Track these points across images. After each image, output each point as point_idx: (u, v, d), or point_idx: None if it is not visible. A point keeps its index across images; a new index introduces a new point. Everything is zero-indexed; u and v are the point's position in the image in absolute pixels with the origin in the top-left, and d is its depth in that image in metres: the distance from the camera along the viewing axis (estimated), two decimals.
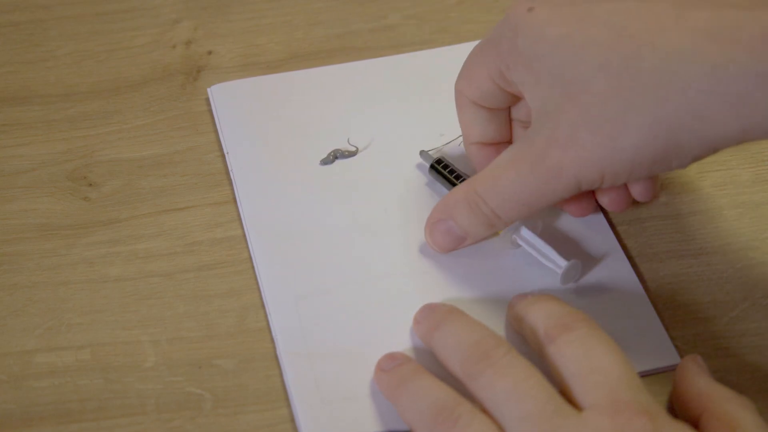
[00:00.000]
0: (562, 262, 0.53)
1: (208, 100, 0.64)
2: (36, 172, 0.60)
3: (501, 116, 0.55)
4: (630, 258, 0.55)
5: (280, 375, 0.51)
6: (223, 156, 0.61)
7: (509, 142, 0.56)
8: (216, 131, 0.62)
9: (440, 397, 0.46)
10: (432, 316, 0.50)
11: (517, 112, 0.56)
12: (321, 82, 0.64)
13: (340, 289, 0.54)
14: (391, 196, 0.58)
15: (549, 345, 0.47)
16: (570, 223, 0.57)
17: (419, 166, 0.59)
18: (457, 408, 0.45)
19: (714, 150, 0.46)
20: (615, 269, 0.55)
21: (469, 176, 0.56)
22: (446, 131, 0.61)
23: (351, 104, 0.63)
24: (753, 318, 0.53)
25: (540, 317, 0.48)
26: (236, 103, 0.63)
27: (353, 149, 0.60)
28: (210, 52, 0.67)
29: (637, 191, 0.54)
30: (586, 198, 0.55)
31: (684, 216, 0.58)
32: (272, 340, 0.52)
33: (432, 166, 0.58)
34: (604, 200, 0.55)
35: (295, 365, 0.51)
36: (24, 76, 0.66)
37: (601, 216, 0.57)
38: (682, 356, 0.51)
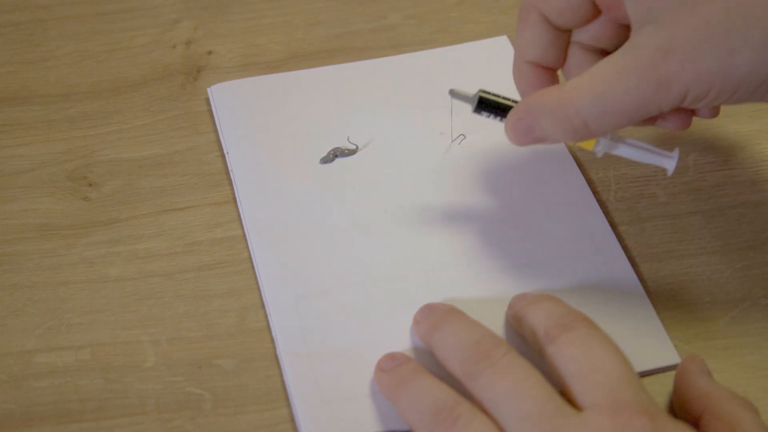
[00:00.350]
0: (672, 152, 0.52)
1: (208, 100, 0.64)
2: (36, 172, 0.60)
3: (563, 39, 0.53)
4: (630, 258, 0.55)
5: (280, 375, 0.51)
6: (223, 156, 0.61)
7: (559, 67, 0.54)
8: (216, 131, 0.62)
9: (440, 397, 0.46)
10: (432, 316, 0.50)
11: (581, 35, 0.53)
12: (321, 82, 0.64)
13: (340, 288, 0.54)
14: (391, 196, 0.58)
15: (549, 345, 0.47)
16: (570, 223, 0.57)
17: (421, 162, 0.59)
18: (456, 408, 0.45)
19: None
20: (615, 269, 0.55)
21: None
22: (446, 130, 0.61)
23: (351, 104, 0.63)
24: (753, 318, 0.53)
25: (540, 317, 0.48)
26: (236, 103, 0.63)
27: (353, 147, 0.60)
28: (210, 52, 0.67)
29: (703, 113, 0.51)
30: (685, 112, 0.52)
31: (684, 216, 0.58)
32: (272, 340, 0.52)
33: (481, 100, 0.53)
34: (670, 121, 0.52)
35: (295, 365, 0.51)
36: (24, 76, 0.66)
37: (601, 216, 0.57)
38: (682, 356, 0.51)
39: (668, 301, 0.54)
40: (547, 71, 0.53)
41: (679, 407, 0.48)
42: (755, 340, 0.52)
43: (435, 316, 0.50)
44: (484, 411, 0.45)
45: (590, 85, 0.48)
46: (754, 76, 0.45)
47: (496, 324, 0.51)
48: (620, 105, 0.47)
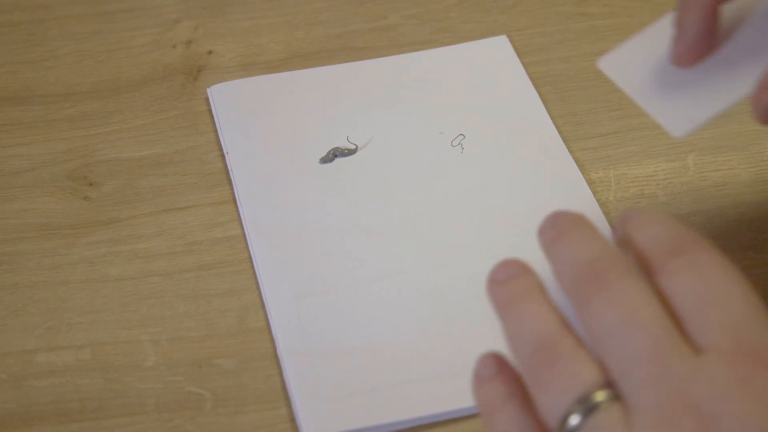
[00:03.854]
0: None
1: (208, 99, 0.64)
2: (36, 172, 0.60)
3: None
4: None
5: (280, 374, 0.51)
6: (224, 156, 0.61)
7: None
8: (216, 131, 0.62)
9: (545, 329, 0.40)
10: (556, 224, 0.43)
11: None
12: (321, 82, 0.64)
13: (340, 288, 0.54)
14: (390, 195, 0.58)
15: (658, 276, 0.39)
16: None
17: (421, 162, 0.59)
18: (559, 345, 0.39)
19: None
20: None
21: None
22: (446, 130, 0.61)
23: (351, 104, 0.63)
24: None
25: (646, 239, 0.41)
26: (236, 103, 0.63)
27: (353, 147, 0.60)
28: (210, 52, 0.67)
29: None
30: None
31: (684, 216, 0.58)
32: (272, 340, 0.52)
33: None
34: None
35: (296, 364, 0.51)
36: (24, 76, 0.66)
37: (601, 216, 0.57)
38: None
39: None
40: (715, 10, 0.49)
41: None
42: None
43: (559, 225, 0.43)
44: (592, 345, 0.39)
45: None
46: None
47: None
48: None
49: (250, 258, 0.56)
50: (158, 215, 0.58)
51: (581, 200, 0.58)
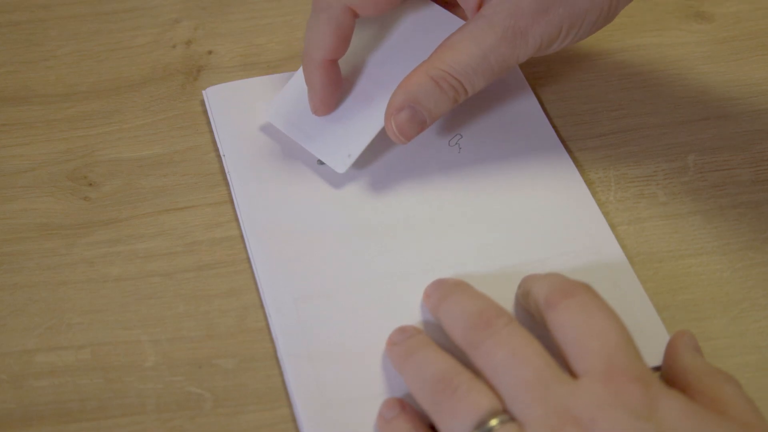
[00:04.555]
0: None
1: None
2: (36, 172, 0.60)
3: (353, 27, 0.56)
4: (630, 258, 0.55)
5: (280, 375, 0.51)
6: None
7: (342, 55, 0.57)
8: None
9: (442, 367, 0.47)
10: (441, 288, 0.51)
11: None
12: None
13: (339, 290, 0.54)
14: (389, 197, 0.58)
15: (549, 312, 0.47)
16: (570, 222, 0.57)
17: (419, 162, 0.59)
18: (456, 377, 0.46)
19: None
20: (615, 269, 0.55)
21: None
22: (444, 131, 0.61)
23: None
24: (753, 318, 0.53)
25: (543, 287, 0.49)
26: (231, 105, 0.63)
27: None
28: (210, 52, 0.67)
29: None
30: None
31: (684, 216, 0.58)
32: (272, 340, 0.52)
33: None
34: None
35: (296, 367, 0.51)
36: (24, 75, 0.66)
37: (601, 216, 0.57)
38: None
39: (668, 301, 0.54)
40: (335, 64, 0.57)
41: (666, 382, 0.48)
42: (755, 340, 0.52)
43: (444, 289, 0.51)
44: (485, 380, 0.46)
45: (454, 49, 0.54)
46: (593, 8, 0.54)
47: (505, 305, 0.51)
48: (483, 61, 0.54)
49: (249, 258, 0.56)
50: (158, 215, 0.58)
51: (580, 200, 0.58)
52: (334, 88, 0.57)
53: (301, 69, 0.59)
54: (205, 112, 0.63)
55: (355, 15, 0.55)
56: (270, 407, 0.50)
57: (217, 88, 0.64)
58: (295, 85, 0.60)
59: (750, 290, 0.54)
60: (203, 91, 0.64)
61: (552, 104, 0.63)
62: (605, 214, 0.57)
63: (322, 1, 0.55)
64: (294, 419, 0.50)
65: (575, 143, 0.61)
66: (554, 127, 0.62)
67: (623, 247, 0.56)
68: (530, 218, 0.57)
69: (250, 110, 0.62)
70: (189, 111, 0.64)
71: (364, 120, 0.58)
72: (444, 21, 0.58)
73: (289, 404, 0.50)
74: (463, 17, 0.58)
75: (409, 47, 0.58)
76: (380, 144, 0.61)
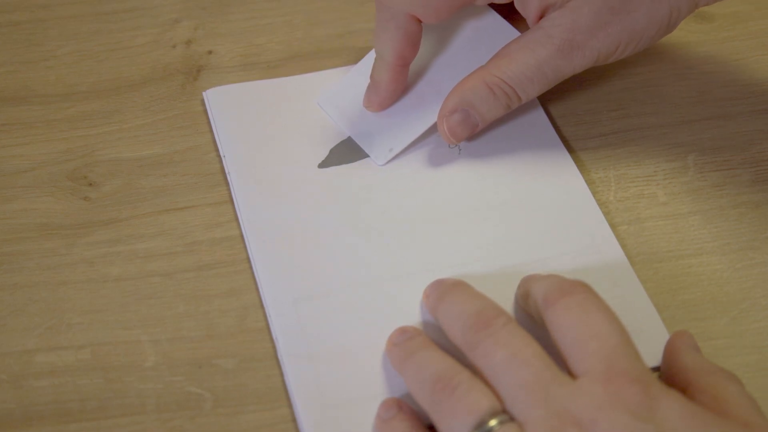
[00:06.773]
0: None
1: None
2: (36, 172, 0.60)
3: (419, 34, 0.58)
4: (630, 258, 0.55)
5: (281, 375, 0.51)
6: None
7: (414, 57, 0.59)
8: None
9: (442, 367, 0.47)
10: (439, 288, 0.51)
11: None
12: (318, 86, 0.64)
13: (339, 291, 0.54)
14: (389, 198, 0.58)
15: (547, 311, 0.47)
16: (570, 222, 0.57)
17: (419, 164, 0.59)
18: (456, 377, 0.46)
19: (696, 5, 0.56)
20: (615, 269, 0.55)
21: None
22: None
23: None
24: (753, 318, 0.53)
25: (542, 287, 0.49)
26: (232, 107, 0.63)
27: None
28: (210, 52, 0.67)
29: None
30: None
31: (684, 216, 0.58)
32: (272, 340, 0.52)
33: None
34: None
35: (297, 367, 0.51)
36: (24, 75, 0.66)
37: (601, 216, 0.57)
38: None
39: (668, 301, 0.54)
40: (406, 68, 0.59)
41: (665, 382, 0.48)
42: (755, 340, 0.52)
43: (442, 289, 0.51)
44: (484, 380, 0.46)
45: (510, 57, 0.56)
46: (651, 24, 0.55)
47: (504, 306, 0.51)
48: (538, 70, 0.56)
49: (249, 258, 0.56)
50: (158, 215, 0.58)
51: (581, 200, 0.58)
52: (397, 91, 0.59)
53: (360, 62, 0.62)
54: (205, 112, 0.63)
55: (419, 22, 0.57)
56: (270, 407, 0.50)
57: (217, 90, 0.64)
58: (353, 77, 0.62)
59: (750, 290, 0.54)
60: (203, 93, 0.64)
61: (552, 104, 0.63)
62: (606, 214, 0.57)
63: (386, 10, 0.57)
64: (294, 419, 0.50)
65: (576, 143, 0.61)
66: (555, 126, 0.62)
67: (623, 246, 0.56)
68: (530, 218, 0.57)
69: (250, 112, 0.62)
70: (189, 111, 0.64)
71: (412, 119, 0.59)
72: (502, 30, 0.60)
73: (289, 404, 0.50)
74: (524, 28, 0.59)
75: (466, 54, 0.60)
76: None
